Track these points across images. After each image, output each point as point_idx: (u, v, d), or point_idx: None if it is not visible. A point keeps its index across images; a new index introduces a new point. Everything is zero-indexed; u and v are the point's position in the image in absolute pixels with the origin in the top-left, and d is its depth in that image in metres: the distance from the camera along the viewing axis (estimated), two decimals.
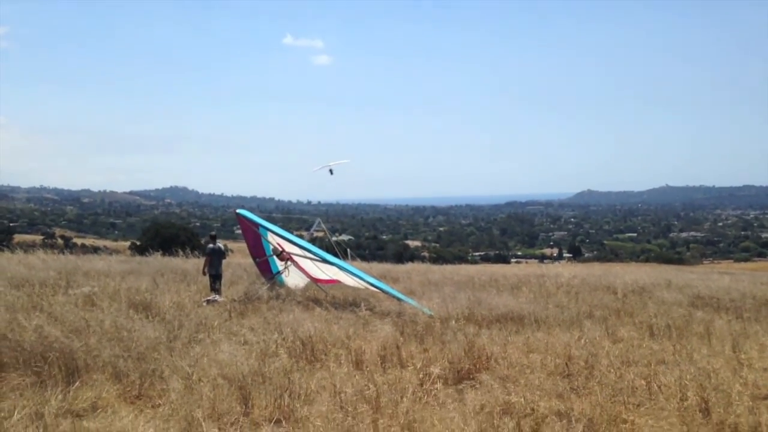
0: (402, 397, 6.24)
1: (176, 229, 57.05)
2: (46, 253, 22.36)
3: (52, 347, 7.19)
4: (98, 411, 6.10)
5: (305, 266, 15.68)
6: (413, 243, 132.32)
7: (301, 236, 16.40)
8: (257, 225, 15.67)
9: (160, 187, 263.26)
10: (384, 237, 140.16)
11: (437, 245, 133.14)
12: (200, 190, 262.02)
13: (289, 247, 15.23)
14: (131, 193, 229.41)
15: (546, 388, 6.93)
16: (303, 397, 6.41)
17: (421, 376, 7.41)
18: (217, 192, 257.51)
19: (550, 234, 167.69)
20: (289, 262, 15.51)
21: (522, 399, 6.27)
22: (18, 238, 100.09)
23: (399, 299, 12.94)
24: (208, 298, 14.15)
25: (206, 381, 7.04)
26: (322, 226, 17.17)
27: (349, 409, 5.91)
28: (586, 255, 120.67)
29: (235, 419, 5.70)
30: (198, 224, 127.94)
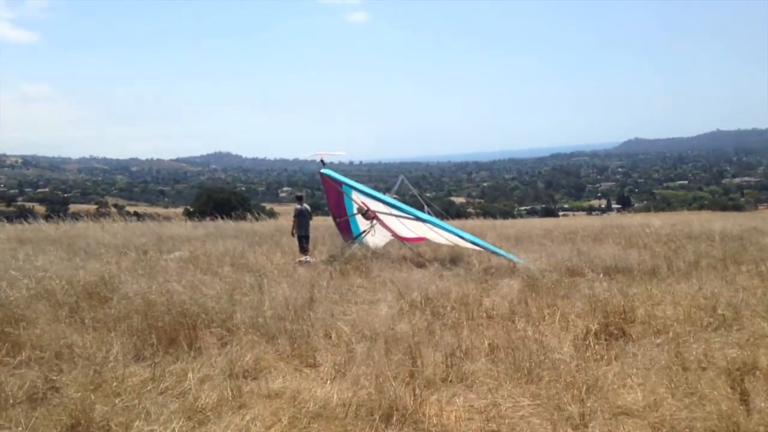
0: (580, 355, 6.04)
1: (227, 194, 57.74)
2: (124, 221, 22.81)
3: (205, 309, 7.24)
4: (263, 371, 6.09)
5: (391, 224, 15.57)
6: (458, 199, 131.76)
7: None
8: (341, 183, 15.56)
9: (204, 153, 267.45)
10: (428, 194, 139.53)
11: (482, 201, 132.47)
12: (244, 155, 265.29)
13: (374, 205, 15.12)
14: (177, 160, 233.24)
15: (712, 342, 6.65)
16: (462, 356, 6.28)
17: (561, 331, 7.24)
18: (260, 156, 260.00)
19: (597, 185, 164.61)
20: (374, 221, 15.41)
21: (696, 354, 6.04)
22: (73, 207, 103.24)
23: (501, 255, 12.72)
24: (300, 259, 14.19)
25: (356, 339, 6.99)
26: (407, 183, 16.93)
27: (525, 367, 5.77)
28: (636, 205, 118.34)
29: (409, 379, 5.60)
30: (244, 188, 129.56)
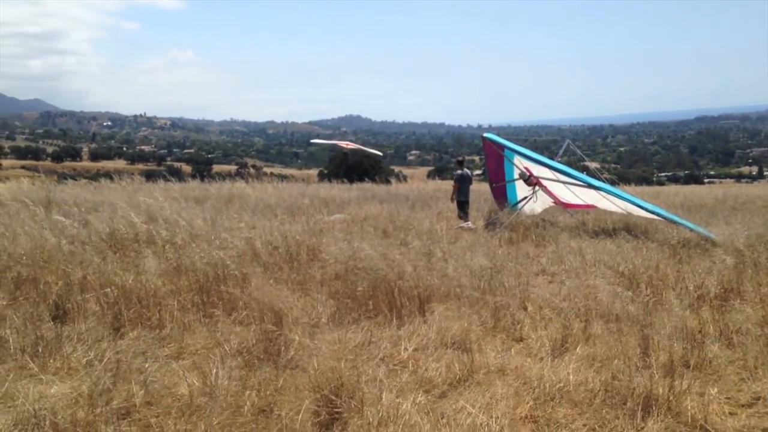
0: None
1: (360, 156, 58.41)
2: (279, 182, 23.58)
3: (401, 275, 7.14)
4: (471, 343, 5.84)
5: (554, 190, 14.90)
6: (591, 164, 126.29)
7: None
8: (503, 147, 15.06)
9: (335, 116, 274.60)
10: (558, 159, 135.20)
11: (618, 166, 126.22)
12: (373, 118, 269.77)
13: (537, 171, 14.49)
14: (310, 123, 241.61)
15: None
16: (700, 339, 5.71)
17: None
18: (389, 119, 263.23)
19: (748, 151, 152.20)
20: (537, 187, 14.78)
21: None
22: (216, 168, 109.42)
23: (685, 226, 11.73)
24: (461, 225, 13.88)
25: (558, 313, 6.62)
26: (573, 147, 16.12)
27: None
28: None
29: (642, 363, 5.16)
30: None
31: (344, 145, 40.23)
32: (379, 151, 47.39)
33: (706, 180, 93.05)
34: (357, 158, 55.60)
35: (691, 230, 11.53)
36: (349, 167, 48.31)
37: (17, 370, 4.83)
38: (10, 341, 5.28)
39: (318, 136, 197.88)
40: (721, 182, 77.41)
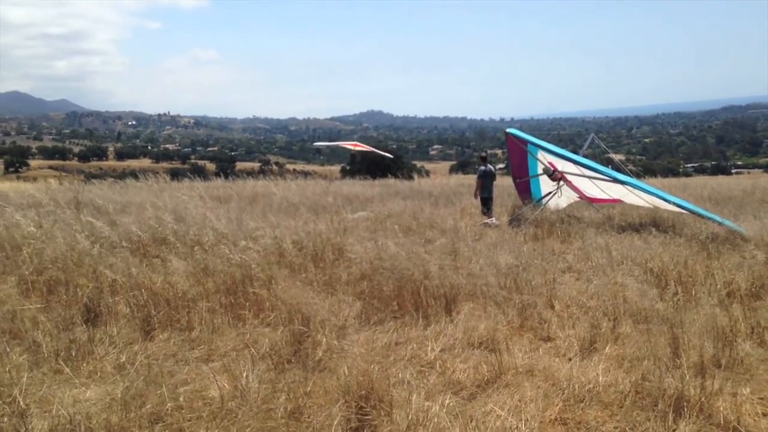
0: None
1: (378, 154, 58.16)
2: (303, 179, 23.69)
3: (426, 274, 7.13)
4: (498, 343, 5.82)
5: (579, 185, 14.76)
6: (616, 156, 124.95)
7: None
8: (526, 143, 14.96)
9: (357, 112, 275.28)
10: (583, 153, 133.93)
11: (643, 158, 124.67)
12: (395, 113, 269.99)
13: (562, 165, 14.37)
14: (332, 119, 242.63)
15: None
16: (731, 338, 5.62)
17: None
18: (411, 114, 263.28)
19: None
20: (561, 182, 14.66)
21: None
22: (239, 165, 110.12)
23: (713, 220, 11.55)
24: (486, 221, 13.83)
25: (585, 312, 6.57)
26: (597, 141, 15.92)
27: None
28: None
29: (672, 363, 5.10)
30: (395, 146, 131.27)
31: (351, 146, 39.63)
32: (392, 153, 46.68)
33: (733, 170, 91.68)
34: (375, 155, 55.47)
35: (720, 224, 11.36)
36: (371, 163, 48.21)
37: (52, 375, 4.92)
38: (43, 345, 5.38)
39: (340, 132, 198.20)
40: (749, 172, 76.13)
